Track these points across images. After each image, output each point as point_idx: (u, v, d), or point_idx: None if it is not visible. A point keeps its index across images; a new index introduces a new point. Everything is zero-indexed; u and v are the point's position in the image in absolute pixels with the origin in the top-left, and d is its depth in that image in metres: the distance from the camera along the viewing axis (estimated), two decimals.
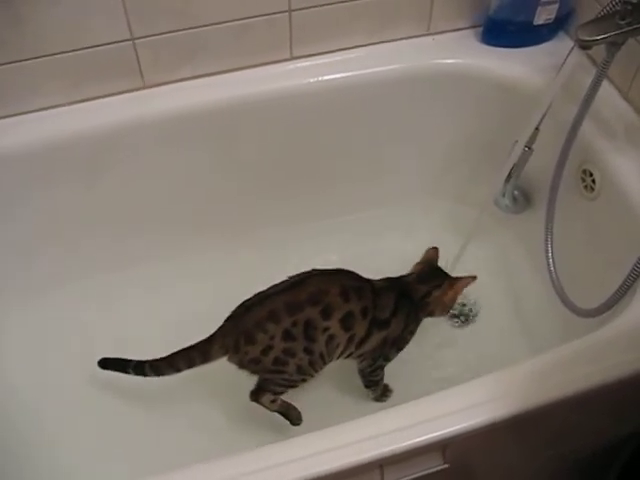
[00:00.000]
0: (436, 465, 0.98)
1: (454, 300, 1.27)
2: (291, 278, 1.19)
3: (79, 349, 1.45)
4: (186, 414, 1.37)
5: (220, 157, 1.47)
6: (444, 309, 1.29)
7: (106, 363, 1.27)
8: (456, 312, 1.53)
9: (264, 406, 1.24)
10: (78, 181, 1.41)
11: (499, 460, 1.13)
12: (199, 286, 1.54)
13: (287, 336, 1.14)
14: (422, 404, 0.97)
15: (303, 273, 1.20)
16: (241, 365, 1.19)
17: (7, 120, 1.33)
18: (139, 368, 1.22)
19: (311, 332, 1.15)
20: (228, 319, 1.19)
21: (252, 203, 1.58)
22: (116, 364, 1.26)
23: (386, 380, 1.36)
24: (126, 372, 1.24)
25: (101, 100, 1.37)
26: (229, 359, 1.19)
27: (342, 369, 1.35)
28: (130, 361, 1.24)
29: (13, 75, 1.28)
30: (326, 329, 1.16)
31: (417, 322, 1.28)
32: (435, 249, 1.31)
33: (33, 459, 1.30)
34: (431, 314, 1.28)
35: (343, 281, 1.18)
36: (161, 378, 1.23)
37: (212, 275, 1.55)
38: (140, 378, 1.24)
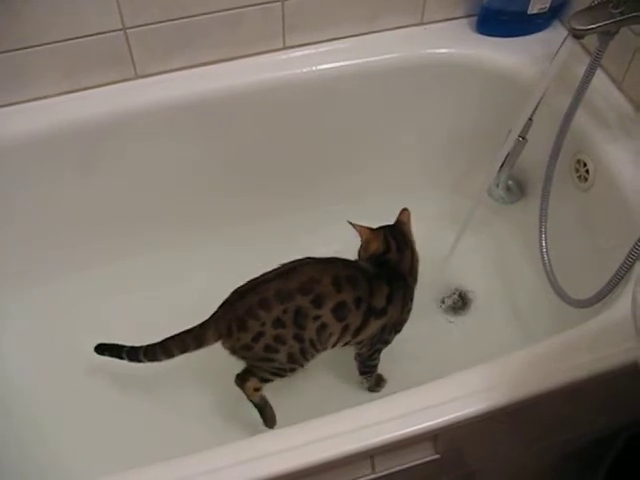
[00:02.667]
0: (427, 455, 0.98)
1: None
2: (284, 265, 1.19)
3: (75, 340, 1.44)
4: (180, 402, 1.38)
5: (213, 148, 1.47)
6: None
7: (102, 349, 1.28)
8: (450, 302, 1.53)
9: (246, 393, 1.24)
10: (71, 171, 1.40)
11: (491, 451, 1.13)
12: (196, 277, 1.54)
13: (277, 323, 1.15)
14: (414, 394, 0.97)
15: (296, 261, 1.19)
16: (233, 351, 1.19)
17: (0, 110, 1.33)
18: (133, 354, 1.23)
19: (301, 320, 1.15)
20: (222, 305, 1.19)
21: (248, 194, 1.57)
22: (111, 350, 1.27)
23: (379, 370, 1.36)
24: (120, 357, 1.25)
25: (93, 90, 1.36)
26: (223, 344, 1.19)
27: (335, 358, 1.35)
28: (124, 347, 1.25)
29: (5, 65, 1.27)
30: (317, 317, 1.15)
31: (412, 296, 1.27)
32: (352, 225, 1.27)
33: (26, 447, 1.30)
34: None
35: (336, 271, 1.18)
36: (155, 367, 1.23)
37: (211, 268, 1.55)
38: (134, 366, 1.24)
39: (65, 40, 1.27)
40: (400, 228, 1.28)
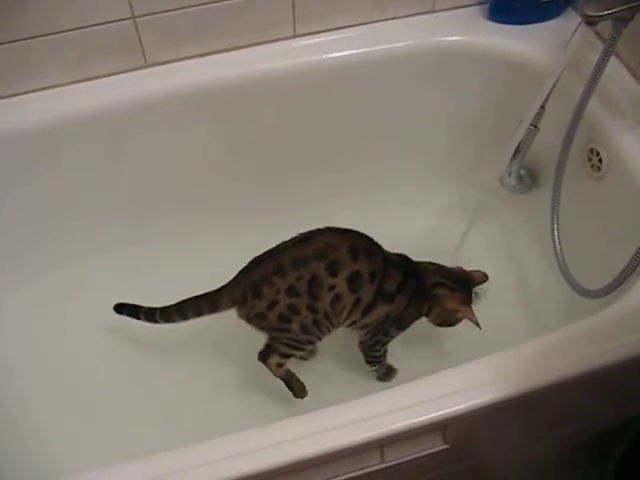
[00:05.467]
0: (436, 446, 0.98)
1: (452, 315, 1.24)
2: (302, 234, 1.19)
3: (77, 329, 1.46)
4: (189, 393, 1.38)
5: (222, 136, 1.46)
6: (438, 315, 1.26)
7: (120, 308, 1.29)
8: None
9: (270, 369, 1.25)
10: (80, 161, 1.40)
11: (500, 442, 1.13)
12: (209, 266, 1.51)
13: (291, 292, 1.15)
14: (423, 384, 0.97)
15: (315, 230, 1.19)
16: (248, 319, 1.20)
17: (10, 99, 1.33)
18: (150, 314, 1.25)
19: (315, 289, 1.14)
20: (239, 273, 1.20)
21: (258, 183, 1.57)
22: (129, 309, 1.29)
23: (390, 360, 1.36)
24: (138, 318, 1.27)
25: (103, 79, 1.36)
26: (238, 312, 1.20)
27: (347, 347, 1.35)
28: (141, 307, 1.27)
29: (15, 54, 1.27)
30: (332, 287, 1.15)
31: (419, 308, 1.26)
32: (483, 275, 1.29)
33: (24, 441, 1.30)
34: (430, 311, 1.26)
35: (353, 240, 1.18)
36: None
37: (225, 254, 1.51)
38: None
39: (73, 29, 1.27)
40: (462, 291, 1.25)
